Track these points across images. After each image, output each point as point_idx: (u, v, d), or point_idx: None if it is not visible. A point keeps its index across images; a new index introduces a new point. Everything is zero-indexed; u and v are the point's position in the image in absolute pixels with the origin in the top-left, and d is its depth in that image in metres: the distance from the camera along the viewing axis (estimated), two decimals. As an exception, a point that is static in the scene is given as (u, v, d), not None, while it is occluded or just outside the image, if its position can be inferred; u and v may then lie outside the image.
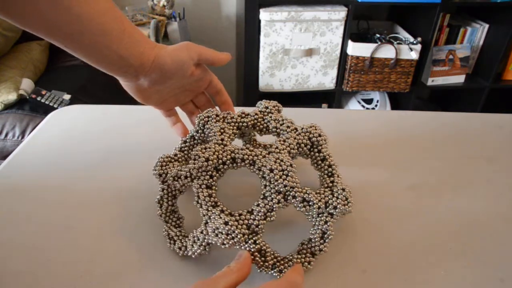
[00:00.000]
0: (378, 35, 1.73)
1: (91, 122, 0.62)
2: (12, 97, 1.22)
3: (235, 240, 0.34)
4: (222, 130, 0.40)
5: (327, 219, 0.37)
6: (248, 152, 0.37)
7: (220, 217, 0.34)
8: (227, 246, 0.34)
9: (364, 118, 0.66)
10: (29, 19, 0.33)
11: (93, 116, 0.64)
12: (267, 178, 0.36)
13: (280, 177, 0.36)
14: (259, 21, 1.62)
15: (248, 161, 0.37)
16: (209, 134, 0.40)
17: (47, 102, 1.24)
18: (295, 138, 0.40)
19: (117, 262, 0.38)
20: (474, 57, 1.88)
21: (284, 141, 0.39)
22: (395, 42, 1.68)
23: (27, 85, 1.27)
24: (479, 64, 1.89)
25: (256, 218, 0.35)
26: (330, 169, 0.41)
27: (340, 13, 1.60)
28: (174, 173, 0.38)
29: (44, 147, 0.56)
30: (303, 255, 0.37)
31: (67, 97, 1.29)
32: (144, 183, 0.49)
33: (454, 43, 1.83)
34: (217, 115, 0.42)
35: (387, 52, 1.67)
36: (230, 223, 0.34)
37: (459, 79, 1.85)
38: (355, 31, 1.82)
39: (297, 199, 0.36)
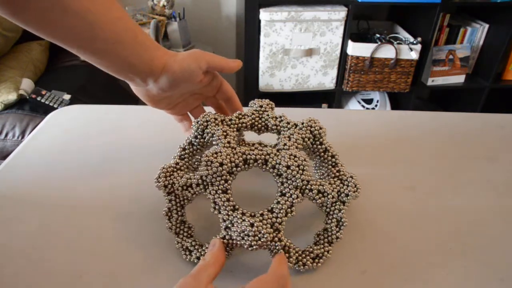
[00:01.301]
0: (378, 35, 1.73)
1: (91, 122, 0.62)
2: (12, 97, 1.22)
3: (261, 240, 0.34)
4: (225, 133, 0.40)
5: (340, 207, 0.39)
6: (259, 152, 0.37)
7: (244, 220, 0.34)
8: (254, 248, 0.34)
9: (364, 118, 0.66)
10: (45, 28, 0.34)
11: (93, 116, 0.64)
12: (284, 175, 0.36)
13: (297, 172, 0.36)
14: (259, 21, 1.62)
15: (260, 161, 0.37)
16: (212, 138, 0.40)
17: (47, 102, 1.24)
18: (298, 133, 0.40)
19: (117, 263, 0.38)
20: (474, 57, 1.88)
21: (289, 137, 0.40)
22: (395, 42, 1.68)
23: (27, 85, 1.27)
24: (479, 64, 1.89)
25: (278, 216, 0.36)
26: (333, 159, 0.42)
27: (340, 13, 1.60)
28: (183, 182, 0.37)
29: (44, 147, 0.56)
30: (321, 246, 0.38)
31: (67, 97, 1.29)
32: (144, 183, 0.49)
33: (454, 43, 1.83)
34: (215, 119, 0.41)
35: (387, 52, 1.67)
36: (256, 224, 0.34)
37: (459, 79, 1.85)
38: (355, 31, 1.82)
39: (313, 192, 0.37)
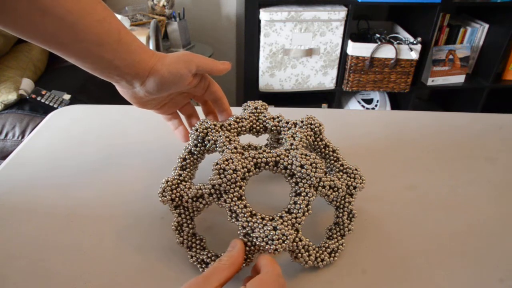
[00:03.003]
0: (378, 35, 1.73)
1: (91, 122, 0.62)
2: (12, 97, 1.22)
3: (285, 243, 0.33)
4: (228, 139, 0.39)
5: (349, 199, 0.40)
6: (269, 155, 0.37)
7: (266, 225, 0.34)
8: (279, 251, 0.33)
9: (364, 118, 0.66)
10: (23, 30, 0.33)
11: (93, 116, 0.64)
12: (298, 174, 0.37)
13: (311, 170, 0.36)
14: (259, 21, 1.62)
15: (271, 163, 0.37)
16: (215, 145, 0.39)
17: (47, 102, 1.24)
18: (300, 132, 0.40)
19: (117, 263, 0.38)
20: (474, 57, 1.88)
21: (293, 136, 0.40)
22: (395, 42, 1.68)
23: (27, 85, 1.27)
24: (479, 64, 1.89)
25: (297, 216, 0.36)
26: (335, 154, 0.42)
27: (340, 13, 1.60)
28: (193, 193, 0.36)
29: (44, 147, 0.56)
30: (335, 239, 0.39)
31: (67, 97, 1.29)
32: (144, 182, 0.49)
33: (454, 43, 1.83)
34: (214, 125, 0.41)
35: (387, 52, 1.67)
36: (279, 227, 0.34)
37: (459, 79, 1.85)
38: (355, 31, 1.82)
39: (325, 188, 0.37)
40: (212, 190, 0.36)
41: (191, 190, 0.37)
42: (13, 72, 1.33)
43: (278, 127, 0.42)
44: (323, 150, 0.43)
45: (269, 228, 0.34)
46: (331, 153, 0.42)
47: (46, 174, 0.50)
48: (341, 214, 0.40)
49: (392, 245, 0.41)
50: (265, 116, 0.43)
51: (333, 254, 0.38)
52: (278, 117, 0.43)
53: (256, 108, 0.43)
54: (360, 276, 0.37)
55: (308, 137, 0.41)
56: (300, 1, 1.64)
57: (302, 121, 0.42)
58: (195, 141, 0.40)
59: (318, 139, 0.42)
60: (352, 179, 0.40)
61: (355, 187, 0.40)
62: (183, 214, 0.37)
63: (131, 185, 0.48)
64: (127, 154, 0.54)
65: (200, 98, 0.47)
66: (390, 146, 0.57)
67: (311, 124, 0.42)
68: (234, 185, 0.35)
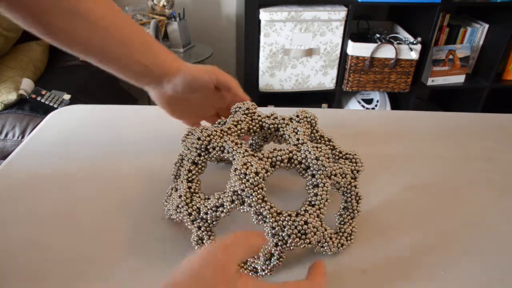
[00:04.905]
0: (378, 35, 1.73)
1: (91, 122, 0.62)
2: (12, 97, 1.22)
3: (317, 234, 0.34)
4: (234, 143, 0.39)
5: (354, 183, 0.40)
6: (281, 153, 0.37)
7: (295, 221, 0.34)
8: (312, 243, 0.34)
9: (364, 118, 0.66)
10: (67, 40, 0.39)
11: (93, 116, 0.64)
12: (314, 167, 0.37)
13: (326, 161, 0.37)
14: (259, 21, 1.62)
15: (286, 160, 0.37)
16: (221, 151, 0.39)
17: (47, 102, 1.24)
18: (301, 126, 0.41)
19: (117, 263, 0.38)
20: (474, 57, 1.88)
21: (294, 131, 0.40)
22: (395, 42, 1.68)
23: (27, 85, 1.27)
24: (479, 64, 1.89)
25: (320, 207, 0.36)
26: (331, 142, 0.44)
27: (340, 13, 1.60)
28: (213, 203, 0.36)
29: (44, 147, 0.56)
30: (348, 223, 0.40)
31: (67, 97, 1.29)
32: (144, 181, 0.49)
33: (454, 43, 1.83)
34: (215, 131, 0.40)
35: (387, 52, 1.67)
36: (309, 221, 0.34)
37: (459, 79, 1.85)
38: (355, 31, 1.82)
39: (337, 176, 0.38)
40: (234, 197, 0.35)
41: (209, 201, 0.36)
42: (13, 72, 1.33)
43: (275, 125, 0.42)
44: (319, 140, 0.44)
45: (300, 223, 0.34)
46: (327, 142, 0.44)
47: (46, 174, 0.50)
48: (349, 199, 0.41)
49: (392, 245, 0.41)
50: (259, 116, 0.43)
51: (349, 238, 0.40)
52: (272, 115, 0.43)
53: (248, 109, 0.43)
54: (360, 276, 0.37)
55: (307, 130, 0.42)
56: (300, 1, 1.64)
57: (297, 116, 0.43)
58: (198, 151, 0.39)
59: (314, 130, 0.43)
60: (355, 164, 0.42)
61: (358, 171, 0.41)
62: (203, 227, 0.37)
63: (131, 185, 0.48)
64: (127, 153, 0.54)
65: (226, 111, 0.50)
66: (390, 146, 0.57)
67: (306, 117, 0.43)
68: (256, 187, 0.35)
